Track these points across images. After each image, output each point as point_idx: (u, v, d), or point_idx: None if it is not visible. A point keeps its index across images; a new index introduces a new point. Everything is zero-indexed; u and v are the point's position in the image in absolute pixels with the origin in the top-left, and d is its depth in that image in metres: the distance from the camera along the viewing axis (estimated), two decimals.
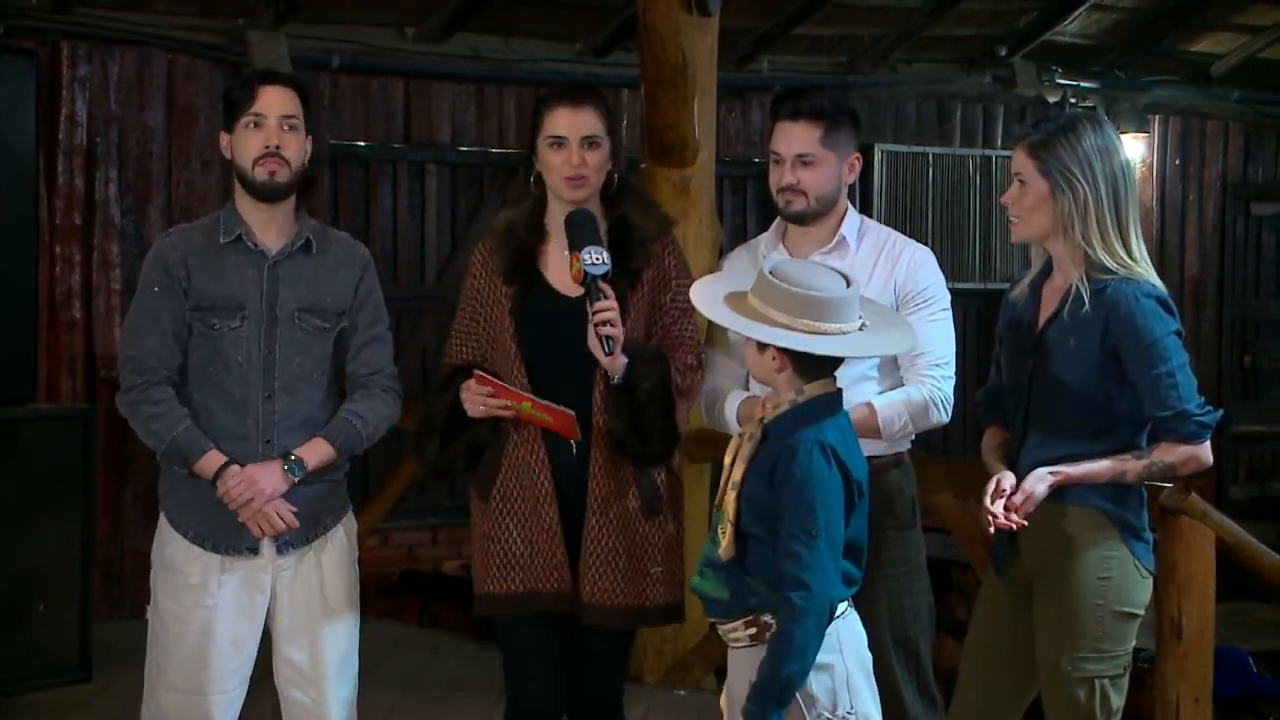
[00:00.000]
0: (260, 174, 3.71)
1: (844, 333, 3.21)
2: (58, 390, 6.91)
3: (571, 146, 3.72)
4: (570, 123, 3.73)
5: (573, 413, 3.63)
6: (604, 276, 3.60)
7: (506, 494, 3.74)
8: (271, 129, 3.71)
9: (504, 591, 3.74)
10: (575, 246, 3.64)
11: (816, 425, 3.20)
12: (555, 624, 3.75)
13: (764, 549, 3.19)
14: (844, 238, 3.89)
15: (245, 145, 3.72)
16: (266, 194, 3.73)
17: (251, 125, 3.72)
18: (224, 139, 3.80)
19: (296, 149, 3.75)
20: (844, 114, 3.84)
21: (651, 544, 3.74)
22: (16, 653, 5.58)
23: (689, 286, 3.64)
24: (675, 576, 3.79)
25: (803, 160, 3.81)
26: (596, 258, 3.59)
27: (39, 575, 5.65)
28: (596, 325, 3.57)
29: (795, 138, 3.81)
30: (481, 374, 3.68)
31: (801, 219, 3.87)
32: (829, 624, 3.16)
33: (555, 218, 3.80)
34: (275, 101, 3.72)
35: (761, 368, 3.28)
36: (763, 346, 3.23)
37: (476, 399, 3.68)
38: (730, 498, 3.22)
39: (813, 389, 3.22)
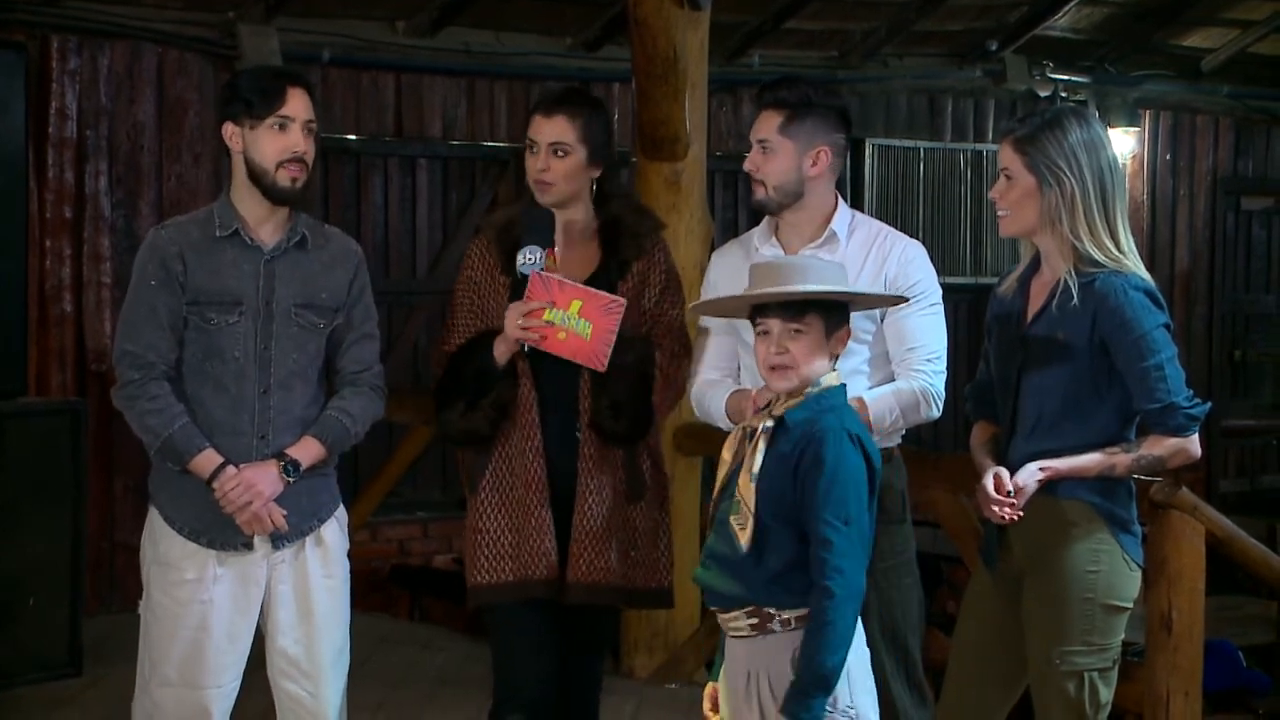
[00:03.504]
0: (284, 178, 3.71)
1: None
2: (48, 384, 6.89)
3: (540, 152, 3.86)
4: (541, 130, 3.88)
5: (622, 300, 3.74)
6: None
7: (498, 483, 3.83)
8: (298, 134, 3.71)
9: (495, 582, 3.82)
10: (520, 244, 3.80)
11: (838, 414, 3.23)
12: (545, 613, 3.82)
13: (782, 540, 3.18)
14: (834, 232, 3.89)
15: (268, 146, 3.70)
16: (287, 199, 3.74)
17: (277, 127, 3.70)
18: (230, 130, 3.75)
19: (313, 152, 3.77)
20: (812, 106, 3.79)
21: (634, 528, 3.86)
22: (6, 647, 5.56)
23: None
24: (660, 562, 3.90)
25: (762, 146, 3.82)
26: (529, 257, 3.78)
27: (28, 569, 5.62)
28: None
29: (759, 124, 3.84)
30: (537, 274, 3.75)
31: (762, 208, 3.89)
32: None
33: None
34: (302, 105, 3.73)
35: (825, 351, 3.25)
36: (838, 327, 3.25)
37: (514, 319, 3.75)
38: (750, 489, 3.19)
39: (828, 380, 3.26)
